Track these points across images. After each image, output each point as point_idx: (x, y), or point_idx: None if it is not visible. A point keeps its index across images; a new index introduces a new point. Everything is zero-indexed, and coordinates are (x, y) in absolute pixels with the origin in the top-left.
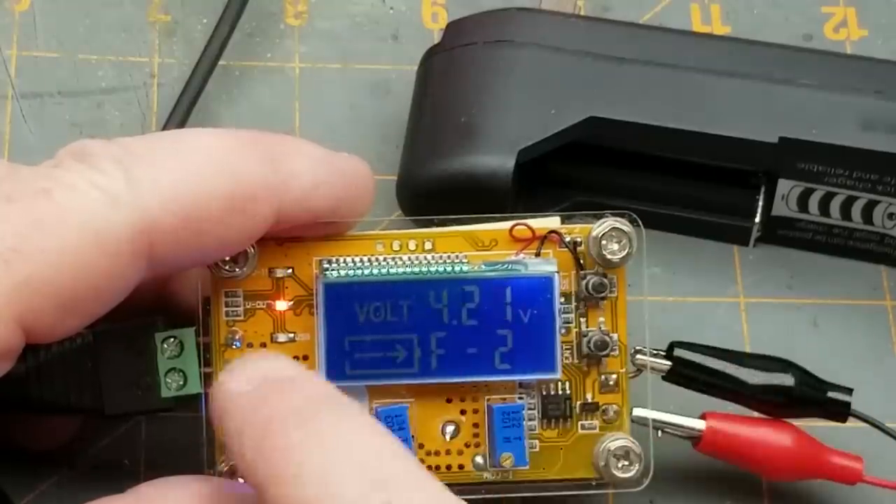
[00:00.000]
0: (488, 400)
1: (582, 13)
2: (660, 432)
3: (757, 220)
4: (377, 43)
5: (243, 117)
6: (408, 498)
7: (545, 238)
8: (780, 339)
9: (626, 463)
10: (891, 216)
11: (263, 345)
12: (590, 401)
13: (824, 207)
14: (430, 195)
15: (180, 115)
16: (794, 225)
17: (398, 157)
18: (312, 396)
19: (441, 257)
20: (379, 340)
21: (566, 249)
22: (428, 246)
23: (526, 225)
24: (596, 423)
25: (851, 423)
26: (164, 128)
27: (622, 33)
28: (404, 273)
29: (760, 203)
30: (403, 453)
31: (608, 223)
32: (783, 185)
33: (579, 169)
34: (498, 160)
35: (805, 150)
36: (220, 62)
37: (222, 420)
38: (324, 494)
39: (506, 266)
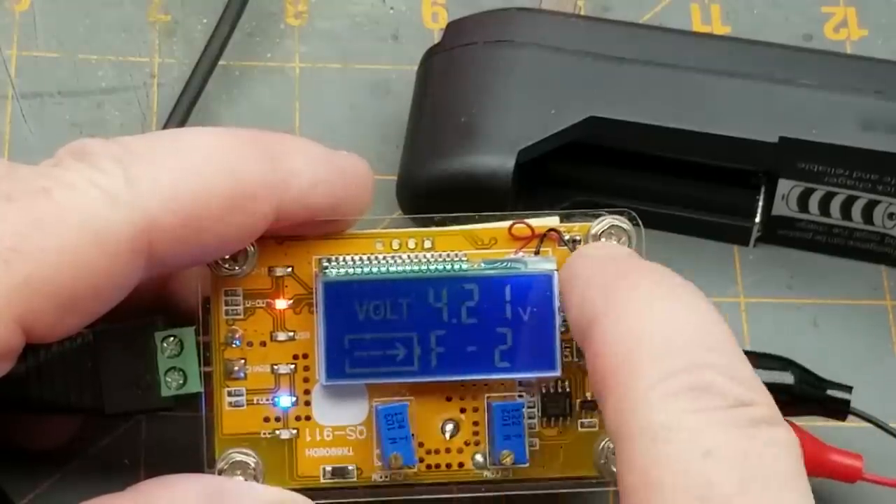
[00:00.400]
0: (488, 398)
1: (582, 13)
2: None
3: (757, 220)
4: (377, 43)
5: (243, 117)
6: (726, 363)
7: (544, 236)
8: (780, 339)
9: None
10: (891, 216)
11: (263, 344)
12: (589, 399)
13: (824, 207)
14: (430, 195)
15: (180, 115)
16: (794, 225)
17: (398, 157)
18: (661, 268)
19: (440, 256)
20: (379, 339)
21: (565, 248)
22: (427, 244)
23: (525, 223)
24: (596, 421)
25: (851, 421)
26: (164, 128)
27: (622, 33)
28: (404, 271)
29: (760, 203)
30: (733, 342)
31: (607, 221)
32: (783, 185)
33: (579, 169)
34: (498, 160)
35: (805, 150)
36: (220, 62)
37: (574, 266)
38: (656, 333)
39: (505, 264)
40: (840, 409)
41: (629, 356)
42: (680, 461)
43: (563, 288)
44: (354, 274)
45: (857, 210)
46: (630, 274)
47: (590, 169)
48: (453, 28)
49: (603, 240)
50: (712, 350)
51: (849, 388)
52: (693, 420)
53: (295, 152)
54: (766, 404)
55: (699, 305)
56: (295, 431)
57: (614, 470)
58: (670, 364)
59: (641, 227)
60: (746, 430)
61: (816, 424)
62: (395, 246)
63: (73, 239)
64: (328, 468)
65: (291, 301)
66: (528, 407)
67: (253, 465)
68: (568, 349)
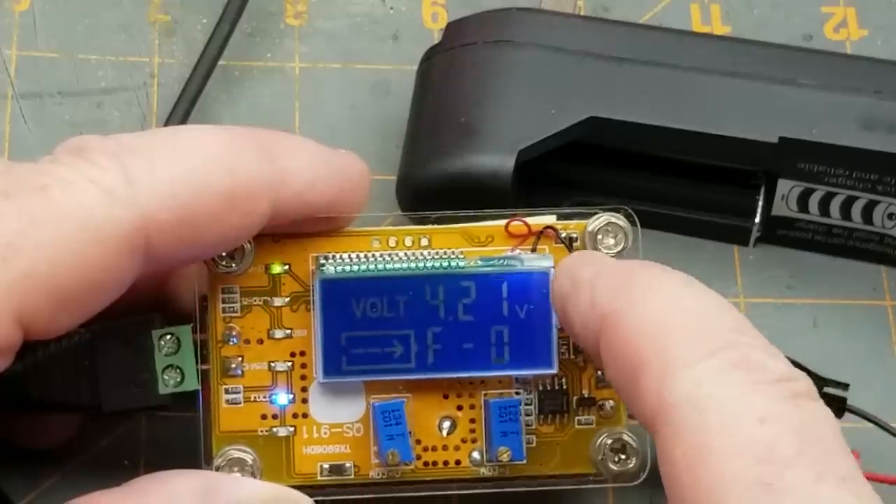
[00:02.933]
0: (485, 395)
1: (582, 13)
2: None
3: (757, 220)
4: (377, 43)
5: (243, 117)
6: (760, 343)
7: (541, 234)
8: (779, 339)
9: (623, 457)
10: (891, 216)
11: (260, 341)
12: (586, 395)
13: (824, 207)
14: (430, 195)
15: (180, 115)
16: (794, 225)
17: (398, 157)
18: (660, 265)
19: (437, 253)
20: (375, 336)
21: (562, 245)
22: (424, 242)
23: (522, 221)
24: (592, 417)
25: (849, 419)
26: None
27: (622, 33)
28: (401, 269)
29: (760, 203)
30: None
31: (603, 218)
32: (783, 185)
33: (579, 169)
34: (498, 160)
35: (805, 150)
36: (220, 62)
37: (575, 268)
38: (685, 315)
39: (502, 261)
40: (837, 407)
41: (662, 338)
42: (735, 427)
43: (566, 291)
44: (351, 271)
45: (856, 210)
46: (636, 269)
47: (590, 169)
48: (453, 28)
49: (599, 237)
50: (742, 332)
51: (846, 386)
52: (741, 391)
53: (292, 150)
54: (806, 380)
55: (711, 293)
56: (292, 429)
57: (611, 466)
58: (707, 342)
59: (637, 224)
60: (795, 400)
61: None
62: (392, 243)
63: (71, 235)
64: (325, 465)
65: (288, 298)
66: (525, 404)
67: (250, 461)
68: (565, 346)
